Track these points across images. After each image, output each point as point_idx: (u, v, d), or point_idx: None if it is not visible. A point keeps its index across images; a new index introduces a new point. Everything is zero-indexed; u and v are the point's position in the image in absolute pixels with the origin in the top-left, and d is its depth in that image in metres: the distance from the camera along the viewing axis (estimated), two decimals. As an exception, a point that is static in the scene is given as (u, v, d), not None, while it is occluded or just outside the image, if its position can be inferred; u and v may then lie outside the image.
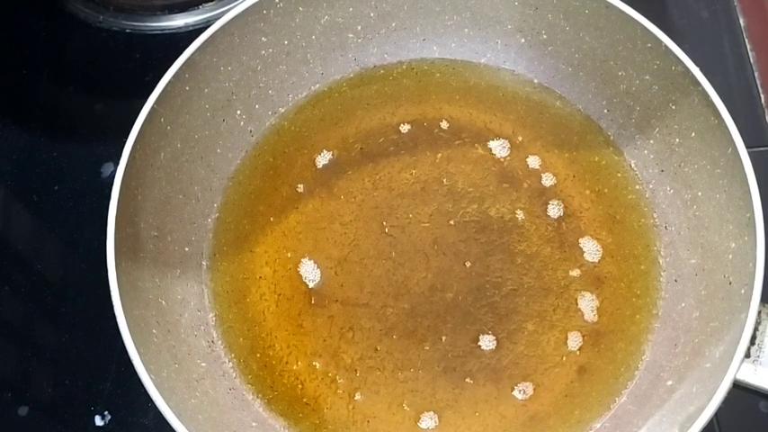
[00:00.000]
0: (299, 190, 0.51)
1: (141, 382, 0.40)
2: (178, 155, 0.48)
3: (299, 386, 0.46)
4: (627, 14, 0.47)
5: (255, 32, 0.50)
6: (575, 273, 0.48)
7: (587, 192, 0.50)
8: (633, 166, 0.51)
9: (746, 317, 0.40)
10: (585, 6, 0.49)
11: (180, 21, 0.61)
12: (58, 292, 0.53)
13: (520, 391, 0.46)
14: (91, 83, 0.60)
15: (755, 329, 0.40)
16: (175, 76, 0.46)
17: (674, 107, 0.48)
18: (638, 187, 0.50)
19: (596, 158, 0.51)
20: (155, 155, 0.47)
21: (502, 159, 0.52)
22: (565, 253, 0.49)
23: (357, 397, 0.46)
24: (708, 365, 0.42)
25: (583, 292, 0.48)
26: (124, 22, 0.61)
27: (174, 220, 0.48)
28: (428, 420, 0.45)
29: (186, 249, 0.49)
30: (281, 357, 0.47)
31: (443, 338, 0.47)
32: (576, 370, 0.46)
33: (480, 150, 0.52)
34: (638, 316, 0.47)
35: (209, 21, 0.58)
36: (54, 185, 0.56)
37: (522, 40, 0.53)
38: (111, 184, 0.43)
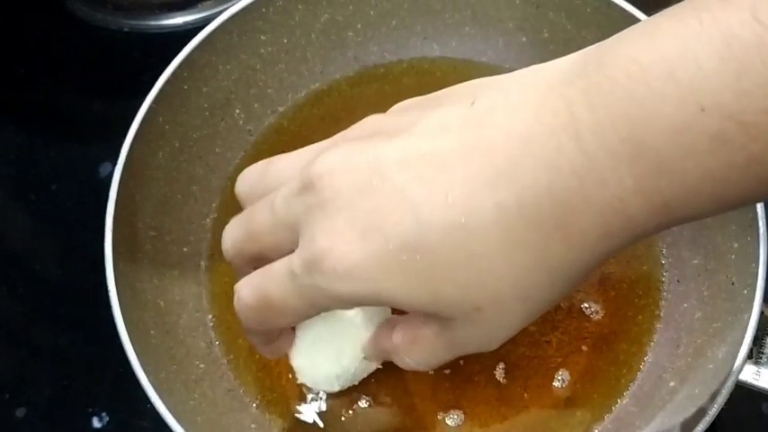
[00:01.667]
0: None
1: (139, 384, 0.40)
2: (176, 154, 0.48)
3: (299, 388, 0.46)
4: (629, 13, 0.47)
5: (254, 31, 0.49)
6: (576, 273, 0.48)
7: (589, 191, 0.50)
8: (635, 165, 0.51)
9: (749, 317, 0.40)
10: (587, 5, 0.48)
11: (178, 19, 0.60)
12: (56, 293, 0.53)
13: (520, 392, 0.46)
14: (89, 82, 0.59)
15: (758, 330, 0.40)
16: (174, 74, 0.46)
17: (676, 106, 0.47)
18: (640, 187, 0.50)
19: (598, 158, 0.51)
20: (153, 154, 0.46)
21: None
22: (566, 253, 0.49)
23: (357, 399, 0.46)
24: (710, 366, 0.42)
25: (584, 293, 0.48)
26: (122, 20, 0.61)
27: (173, 221, 0.48)
28: (451, 419, 0.45)
29: (185, 250, 0.48)
30: (280, 358, 0.47)
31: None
32: (577, 371, 0.46)
33: (481, 150, 0.52)
34: (640, 317, 0.47)
35: (207, 19, 0.57)
36: (51, 185, 0.55)
37: (524, 39, 0.52)
38: (109, 184, 0.43)
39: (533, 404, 0.45)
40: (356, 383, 0.42)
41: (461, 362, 0.46)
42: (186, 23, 0.60)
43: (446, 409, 0.45)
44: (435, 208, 0.28)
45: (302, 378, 0.41)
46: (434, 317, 0.31)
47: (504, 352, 0.46)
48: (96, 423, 0.49)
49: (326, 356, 0.40)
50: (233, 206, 0.50)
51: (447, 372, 0.46)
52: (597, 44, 0.29)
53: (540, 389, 0.46)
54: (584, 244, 0.28)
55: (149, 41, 0.60)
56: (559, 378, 0.46)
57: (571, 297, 0.48)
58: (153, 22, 0.61)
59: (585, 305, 0.48)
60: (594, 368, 0.46)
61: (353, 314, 0.38)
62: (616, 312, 0.47)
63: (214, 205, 0.50)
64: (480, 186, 0.28)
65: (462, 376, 0.46)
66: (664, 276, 0.48)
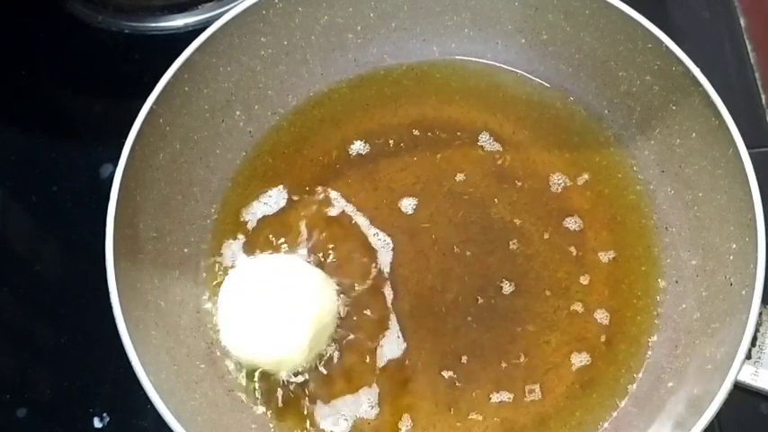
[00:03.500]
0: (299, 191, 0.51)
1: (140, 384, 0.40)
2: (177, 156, 0.48)
3: (298, 387, 0.46)
4: (627, 15, 0.47)
5: (255, 33, 0.50)
6: (575, 274, 0.48)
7: (588, 192, 0.50)
8: (634, 166, 0.51)
9: (747, 318, 0.40)
10: (586, 7, 0.49)
11: (179, 21, 0.60)
12: (57, 294, 0.53)
13: (520, 393, 0.46)
14: (90, 83, 0.60)
15: (756, 331, 0.40)
16: (174, 76, 0.46)
17: (674, 108, 0.48)
18: (638, 188, 0.50)
19: (597, 159, 0.51)
20: (154, 156, 0.47)
21: (502, 160, 0.51)
22: (565, 254, 0.49)
23: (354, 398, 0.46)
24: (709, 367, 0.42)
25: (583, 293, 0.48)
26: (123, 22, 0.61)
27: (173, 222, 0.48)
28: (431, 416, 0.45)
29: (185, 251, 0.48)
30: (280, 359, 0.47)
31: (443, 340, 0.47)
32: (576, 372, 0.46)
33: (480, 151, 0.52)
34: (638, 317, 0.47)
35: (208, 21, 0.58)
36: (53, 186, 0.56)
37: (523, 41, 0.52)
38: (110, 185, 0.43)
39: (532, 404, 0.46)
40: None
41: (464, 359, 0.46)
42: (187, 25, 0.60)
43: (445, 411, 0.46)
44: None
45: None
46: None
47: (504, 353, 0.47)
48: (97, 423, 0.49)
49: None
50: (233, 207, 0.51)
51: (450, 374, 0.46)
52: None
53: (538, 389, 0.46)
54: None
55: (150, 43, 0.60)
56: (559, 378, 0.46)
57: (570, 297, 0.48)
58: (153, 24, 0.61)
59: (585, 306, 0.48)
60: (593, 369, 0.46)
61: None
62: (615, 313, 0.47)
63: (215, 206, 0.50)
64: None
65: (461, 376, 0.46)
66: (662, 277, 0.48)
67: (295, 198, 0.51)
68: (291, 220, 0.50)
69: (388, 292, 0.48)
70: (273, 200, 0.51)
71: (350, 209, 0.50)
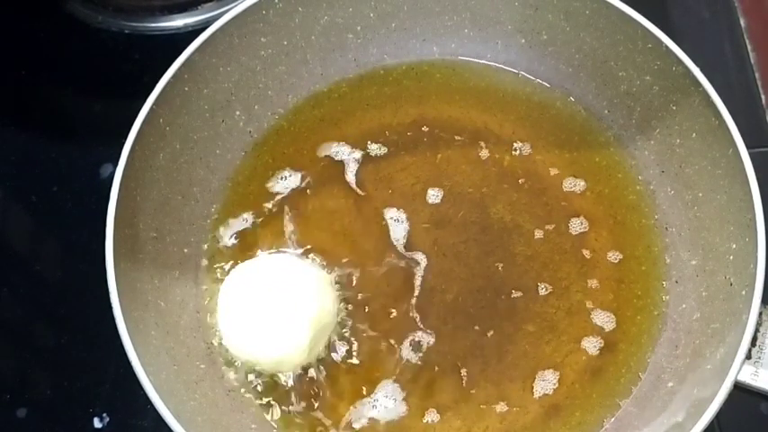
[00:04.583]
0: (299, 191, 0.51)
1: (140, 384, 0.40)
2: (177, 156, 0.48)
3: (299, 387, 0.46)
4: (627, 15, 0.47)
5: (255, 33, 0.50)
6: (575, 274, 0.48)
7: (588, 193, 0.50)
8: (634, 166, 0.51)
9: (747, 318, 0.40)
10: (586, 7, 0.49)
11: (179, 21, 0.60)
12: (57, 294, 0.53)
13: (519, 393, 0.46)
14: (90, 83, 0.60)
15: (756, 331, 0.41)
16: (174, 76, 0.46)
17: (674, 108, 0.48)
18: (638, 188, 0.50)
19: (597, 159, 0.51)
20: (154, 156, 0.47)
21: (502, 160, 0.52)
22: (565, 254, 0.49)
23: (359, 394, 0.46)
24: (709, 367, 0.42)
25: (583, 293, 0.48)
26: (123, 22, 0.61)
27: (173, 222, 0.48)
28: (432, 416, 0.45)
29: (185, 251, 0.48)
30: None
31: (444, 340, 0.47)
32: (576, 371, 0.46)
33: (480, 151, 0.52)
34: (638, 317, 0.47)
35: (208, 21, 0.58)
36: (53, 186, 0.56)
37: (523, 41, 0.53)
38: (110, 185, 0.43)
39: (531, 404, 0.46)
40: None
41: (459, 364, 0.46)
42: (187, 26, 0.60)
43: (445, 410, 0.46)
44: None
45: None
46: None
47: (505, 352, 0.47)
48: (97, 423, 0.49)
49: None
50: (233, 207, 0.51)
51: (444, 371, 0.46)
52: None
53: (539, 389, 0.46)
54: None
55: (150, 43, 0.60)
56: (559, 378, 0.46)
57: (570, 298, 0.48)
58: (153, 25, 0.61)
59: (584, 306, 0.48)
60: (593, 369, 0.46)
61: None
62: (615, 313, 0.47)
63: (214, 206, 0.50)
64: None
65: (461, 375, 0.46)
66: (662, 277, 0.48)
67: (294, 200, 0.51)
68: (290, 221, 0.50)
69: (388, 293, 0.48)
70: (280, 184, 0.51)
71: (349, 209, 0.50)
